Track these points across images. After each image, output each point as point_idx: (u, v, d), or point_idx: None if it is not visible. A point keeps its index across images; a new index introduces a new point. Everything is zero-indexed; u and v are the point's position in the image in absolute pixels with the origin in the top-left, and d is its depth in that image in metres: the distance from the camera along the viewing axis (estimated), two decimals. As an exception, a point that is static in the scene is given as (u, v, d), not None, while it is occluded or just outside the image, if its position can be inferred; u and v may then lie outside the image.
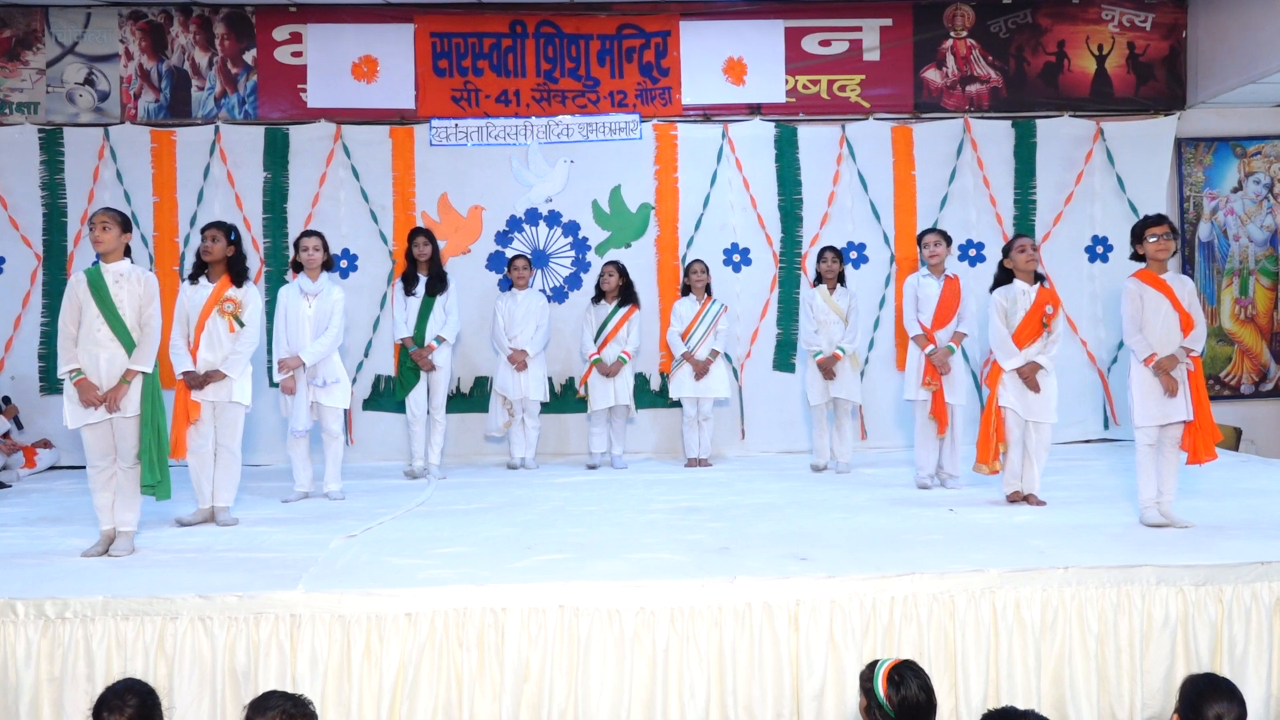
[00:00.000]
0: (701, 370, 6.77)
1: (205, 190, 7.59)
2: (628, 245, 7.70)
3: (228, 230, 5.29)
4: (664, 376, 7.41)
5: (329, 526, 4.94)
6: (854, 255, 7.71)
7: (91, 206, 7.40)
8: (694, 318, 6.85)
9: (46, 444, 7.30)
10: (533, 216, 7.74)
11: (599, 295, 6.94)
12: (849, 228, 7.70)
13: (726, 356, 7.24)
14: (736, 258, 7.73)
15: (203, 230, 5.31)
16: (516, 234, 7.75)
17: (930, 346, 5.82)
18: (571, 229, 7.73)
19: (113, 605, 3.71)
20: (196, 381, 5.12)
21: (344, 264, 7.53)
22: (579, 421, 7.39)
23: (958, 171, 7.72)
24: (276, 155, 7.60)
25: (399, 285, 6.69)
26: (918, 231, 6.77)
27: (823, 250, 6.71)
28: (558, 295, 7.70)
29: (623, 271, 6.96)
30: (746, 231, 7.68)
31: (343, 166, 7.63)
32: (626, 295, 6.94)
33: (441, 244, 7.11)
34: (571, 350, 7.43)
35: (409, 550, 4.40)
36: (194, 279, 5.32)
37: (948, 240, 6.05)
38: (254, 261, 7.31)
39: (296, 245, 5.92)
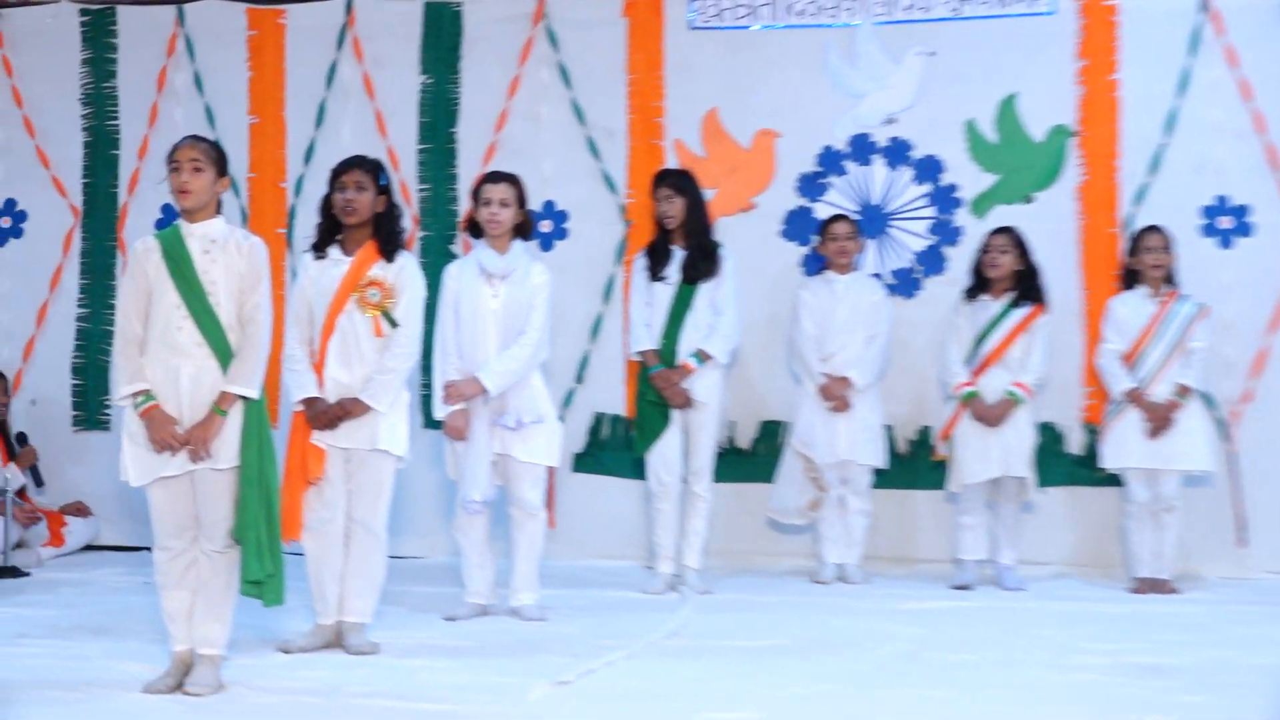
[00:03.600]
0: (1161, 421, 6.15)
1: (329, 105, 7.24)
2: (1028, 199, 6.98)
3: (375, 171, 4.96)
4: (1091, 432, 6.64)
5: (524, 664, 4.66)
6: None
7: (154, 131, 7.08)
8: (1146, 327, 6.24)
9: (81, 509, 7.09)
10: (862, 149, 7.13)
11: (978, 285, 6.49)
12: None
13: (1207, 398, 6.54)
14: (1225, 222, 6.87)
15: (336, 172, 4.98)
16: (834, 178, 7.12)
17: None
18: (929, 170, 7.09)
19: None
20: (324, 418, 4.85)
21: (545, 226, 7.02)
22: (937, 503, 6.82)
23: None
24: (441, 47, 7.24)
25: (640, 264, 6.37)
26: None
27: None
28: (904, 284, 7.13)
29: (1021, 245, 6.44)
30: (1244, 176, 6.87)
31: (545, 64, 7.15)
32: (1028, 287, 6.41)
33: (708, 194, 6.51)
34: (927, 379, 6.91)
35: (656, 710, 4.14)
36: (319, 249, 4.96)
37: None
38: (405, 220, 6.93)
39: (475, 195, 5.66)
